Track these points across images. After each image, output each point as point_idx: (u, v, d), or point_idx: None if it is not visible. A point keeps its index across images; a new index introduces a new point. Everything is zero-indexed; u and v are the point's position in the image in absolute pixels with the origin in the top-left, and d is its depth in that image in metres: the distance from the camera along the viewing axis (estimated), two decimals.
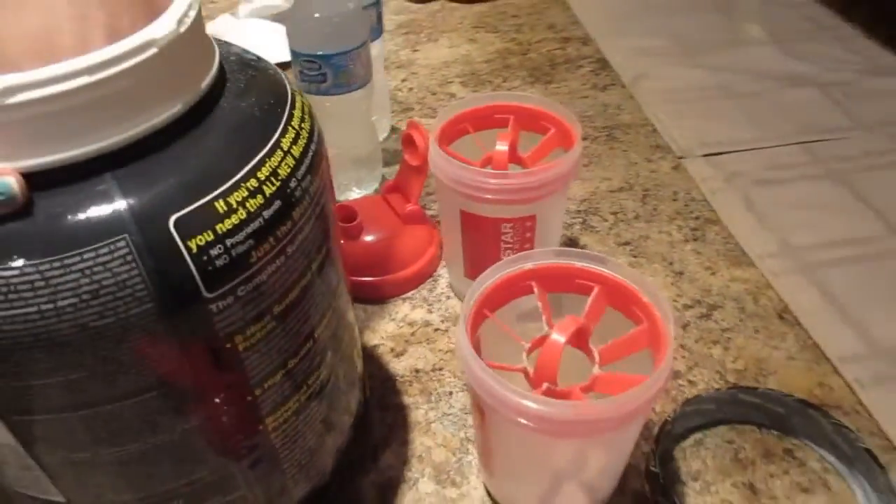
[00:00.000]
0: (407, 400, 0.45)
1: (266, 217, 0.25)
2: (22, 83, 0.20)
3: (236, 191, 0.24)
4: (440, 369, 0.47)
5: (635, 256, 0.56)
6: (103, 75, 0.21)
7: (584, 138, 0.68)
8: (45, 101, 0.21)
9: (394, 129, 0.72)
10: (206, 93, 0.26)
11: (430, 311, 0.51)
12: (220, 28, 0.90)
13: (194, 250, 0.23)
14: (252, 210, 0.24)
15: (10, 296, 0.21)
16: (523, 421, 0.30)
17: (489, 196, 0.43)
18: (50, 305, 0.22)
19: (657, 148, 0.68)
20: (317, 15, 0.56)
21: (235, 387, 0.28)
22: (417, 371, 0.47)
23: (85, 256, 0.22)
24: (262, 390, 0.29)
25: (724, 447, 0.42)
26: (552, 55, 0.84)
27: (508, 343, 0.36)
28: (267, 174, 0.25)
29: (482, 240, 0.46)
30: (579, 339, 0.35)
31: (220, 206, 0.23)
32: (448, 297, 0.53)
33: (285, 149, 0.27)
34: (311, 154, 0.28)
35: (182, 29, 0.24)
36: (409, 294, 0.53)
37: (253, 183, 0.25)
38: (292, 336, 0.29)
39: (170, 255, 0.23)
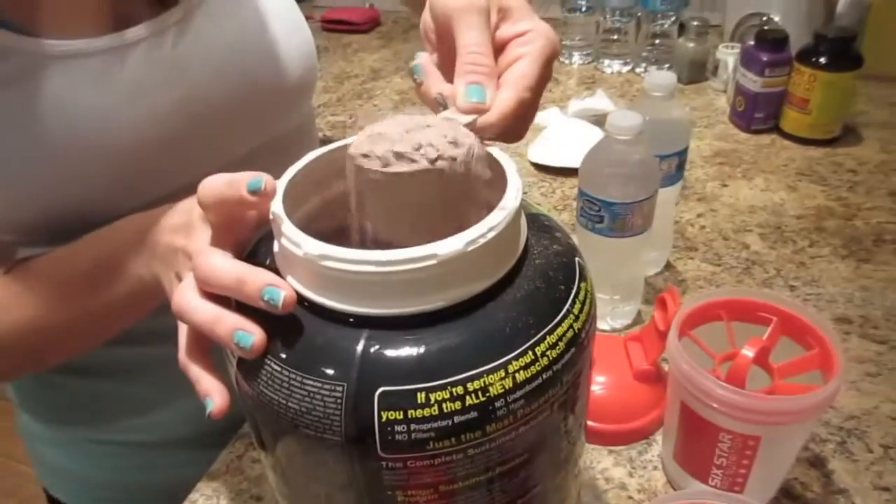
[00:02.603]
0: None
1: (456, 421, 0.27)
2: (331, 255, 0.28)
3: (440, 390, 0.28)
4: None
5: None
6: (390, 270, 0.28)
7: (883, 342, 0.60)
8: (342, 273, 0.28)
9: (670, 265, 0.72)
10: (474, 297, 0.29)
11: (630, 475, 0.51)
12: (546, 119, 0.97)
13: (384, 420, 0.28)
14: (446, 411, 0.28)
15: (267, 381, 0.30)
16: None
17: (712, 404, 0.42)
18: (282, 400, 0.29)
19: None
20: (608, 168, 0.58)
21: None
22: None
23: (315, 382, 0.29)
24: None
25: None
26: (881, 229, 0.74)
27: None
28: (477, 387, 0.27)
29: (697, 438, 0.45)
30: None
31: (421, 396, 0.28)
32: (655, 468, 0.51)
33: (510, 371, 0.28)
34: (536, 383, 0.29)
35: (469, 249, 0.28)
36: (617, 448, 0.53)
37: (458, 390, 0.27)
38: None
39: (365, 414, 0.28)
